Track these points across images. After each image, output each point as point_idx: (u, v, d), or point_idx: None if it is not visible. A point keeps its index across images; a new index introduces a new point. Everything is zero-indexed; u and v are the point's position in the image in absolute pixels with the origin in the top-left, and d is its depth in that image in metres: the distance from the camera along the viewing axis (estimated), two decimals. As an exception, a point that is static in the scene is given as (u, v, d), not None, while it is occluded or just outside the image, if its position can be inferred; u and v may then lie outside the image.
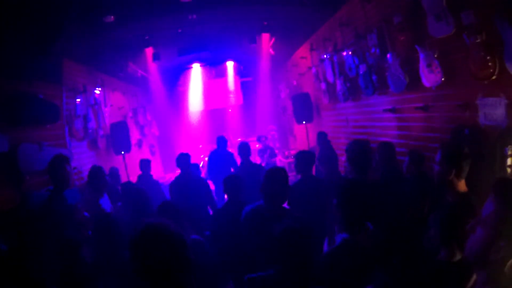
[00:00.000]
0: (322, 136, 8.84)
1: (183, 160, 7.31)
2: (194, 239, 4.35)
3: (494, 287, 2.46)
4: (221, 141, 9.50)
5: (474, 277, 2.73)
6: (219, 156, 9.41)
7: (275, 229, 3.21)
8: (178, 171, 7.44)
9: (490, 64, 4.03)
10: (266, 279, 3.23)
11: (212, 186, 8.37)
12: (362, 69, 7.23)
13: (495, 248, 2.41)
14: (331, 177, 6.83)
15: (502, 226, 2.46)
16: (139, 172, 8.76)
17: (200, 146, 15.74)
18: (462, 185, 3.60)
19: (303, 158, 5.79)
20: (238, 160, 8.51)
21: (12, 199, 5.16)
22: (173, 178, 7.57)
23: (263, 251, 4.01)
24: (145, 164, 8.77)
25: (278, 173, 4.53)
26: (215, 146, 9.87)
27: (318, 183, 5.75)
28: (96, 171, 6.21)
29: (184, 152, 7.53)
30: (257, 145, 13.76)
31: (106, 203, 6.05)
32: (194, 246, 4.17)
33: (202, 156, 14.27)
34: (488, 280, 2.47)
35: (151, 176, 8.77)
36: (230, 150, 9.96)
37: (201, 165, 12.90)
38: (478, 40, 4.09)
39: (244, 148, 8.07)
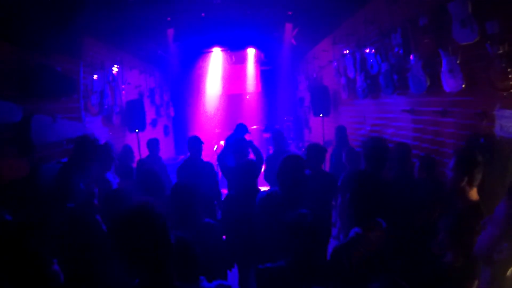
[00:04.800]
0: (340, 131, 8.78)
1: (194, 143, 7.18)
2: (206, 222, 4.35)
3: None
4: (239, 129, 8.87)
5: (476, 282, 2.77)
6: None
7: (288, 216, 3.22)
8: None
9: (510, 76, 3.96)
10: (275, 271, 3.23)
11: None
12: (384, 67, 7.15)
13: (499, 249, 2.42)
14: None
15: (508, 227, 2.47)
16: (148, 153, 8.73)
17: (217, 130, 15.76)
18: (473, 193, 3.61)
19: (315, 153, 5.76)
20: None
21: (22, 169, 5.20)
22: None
23: (275, 239, 4.01)
24: (153, 144, 8.65)
25: (294, 160, 4.58)
26: (230, 132, 9.70)
27: (327, 179, 5.71)
28: (106, 146, 6.20)
29: (197, 136, 7.39)
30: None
31: (111, 179, 6.06)
32: (206, 230, 4.20)
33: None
34: (492, 280, 2.48)
35: (159, 158, 8.70)
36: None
37: (214, 149, 12.92)
38: (501, 51, 4.02)
39: (279, 136, 7.96)
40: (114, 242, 2.29)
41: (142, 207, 2.33)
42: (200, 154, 7.25)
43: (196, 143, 7.19)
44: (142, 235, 2.23)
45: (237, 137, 7.37)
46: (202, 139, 7.37)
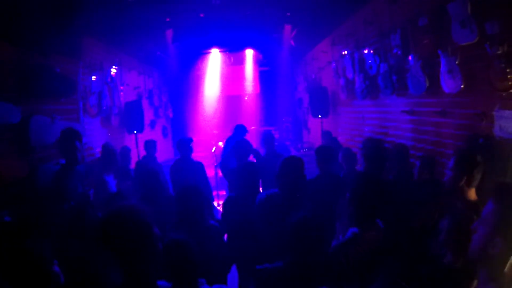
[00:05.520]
0: (326, 135, 8.84)
1: (182, 145, 7.43)
2: (211, 224, 4.34)
3: (495, 286, 2.48)
4: (239, 130, 8.93)
5: (476, 282, 2.77)
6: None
7: (291, 217, 3.21)
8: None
9: (509, 76, 3.96)
10: (273, 272, 3.22)
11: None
12: (383, 68, 7.14)
13: (492, 244, 2.45)
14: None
15: (498, 223, 2.52)
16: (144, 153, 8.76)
17: (215, 131, 15.73)
18: (472, 193, 3.64)
19: (323, 154, 5.75)
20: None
21: (20, 170, 5.19)
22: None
23: (275, 240, 4.01)
24: (150, 145, 8.74)
25: (294, 161, 4.59)
26: (229, 133, 9.69)
27: (335, 180, 5.68)
28: (111, 148, 6.27)
29: (184, 137, 7.65)
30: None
31: (111, 180, 6.07)
32: (211, 232, 4.20)
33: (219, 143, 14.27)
34: (489, 278, 2.49)
35: (155, 158, 8.73)
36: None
37: (213, 150, 12.91)
38: (500, 52, 4.01)
39: (269, 138, 7.88)
40: (100, 242, 2.33)
41: (125, 211, 2.36)
42: (190, 154, 7.50)
43: (185, 144, 7.44)
44: (124, 237, 2.28)
45: (238, 139, 7.39)
46: (201, 140, 7.49)
